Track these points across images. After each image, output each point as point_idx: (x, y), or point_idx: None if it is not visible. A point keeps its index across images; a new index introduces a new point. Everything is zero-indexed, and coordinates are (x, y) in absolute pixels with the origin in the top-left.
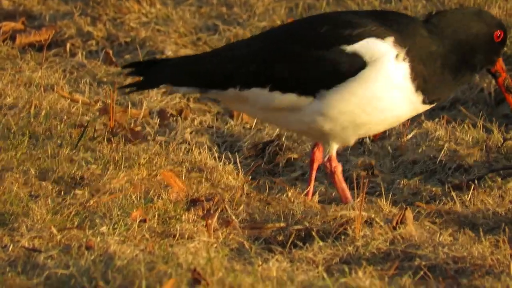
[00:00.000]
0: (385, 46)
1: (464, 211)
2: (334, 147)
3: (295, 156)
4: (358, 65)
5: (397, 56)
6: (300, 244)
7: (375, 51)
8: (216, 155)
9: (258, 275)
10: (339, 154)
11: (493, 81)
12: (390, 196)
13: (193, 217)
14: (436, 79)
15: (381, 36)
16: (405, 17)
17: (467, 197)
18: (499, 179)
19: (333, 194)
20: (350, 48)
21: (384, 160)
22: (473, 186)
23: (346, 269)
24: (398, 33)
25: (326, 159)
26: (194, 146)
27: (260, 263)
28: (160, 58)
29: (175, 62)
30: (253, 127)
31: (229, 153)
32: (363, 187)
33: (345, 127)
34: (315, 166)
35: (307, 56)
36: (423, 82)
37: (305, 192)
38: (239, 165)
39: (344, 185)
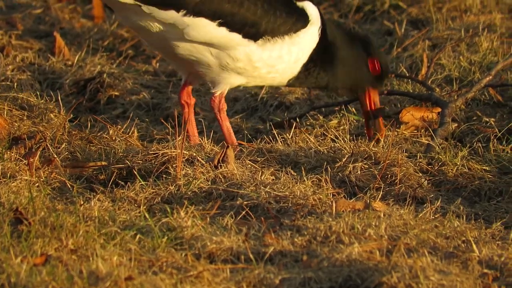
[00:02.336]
0: (317, 13)
1: (286, 149)
2: (228, 87)
3: (116, 93)
4: (305, 20)
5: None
6: (122, 183)
7: (314, 13)
8: (38, 92)
9: (80, 215)
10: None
11: None
12: (211, 134)
13: (15, 156)
14: (310, 75)
15: (314, 4)
16: None
17: (289, 135)
18: (321, 117)
19: (154, 133)
20: (299, 3)
21: (206, 98)
22: (294, 124)
23: (168, 209)
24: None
25: (217, 97)
26: (15, 84)
27: (82, 202)
28: None
29: None
30: (74, 63)
31: (50, 90)
32: (185, 125)
33: (268, 73)
34: (191, 109)
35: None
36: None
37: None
38: (60, 102)
39: (229, 125)
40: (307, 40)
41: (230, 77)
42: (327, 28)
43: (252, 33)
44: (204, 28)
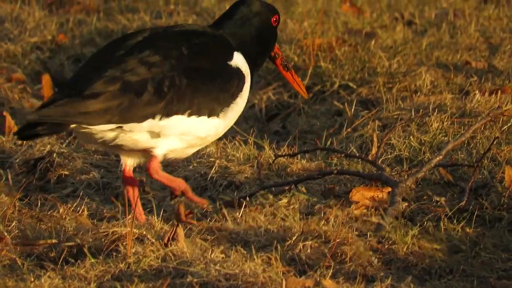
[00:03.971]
0: (242, 59)
1: (236, 228)
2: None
3: (66, 172)
4: (242, 79)
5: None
6: (72, 260)
7: (243, 64)
8: None
9: None
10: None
11: (264, 97)
12: (161, 213)
13: None
14: None
15: (236, 49)
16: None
17: (239, 214)
18: (271, 196)
19: (104, 211)
20: (232, 62)
21: None
22: (244, 203)
23: (118, 286)
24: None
25: (155, 164)
26: None
27: (33, 279)
28: None
29: None
30: (24, 143)
31: (0, 169)
32: (133, 204)
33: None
34: (136, 190)
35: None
36: None
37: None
38: (10, 181)
39: (169, 176)
40: (246, 89)
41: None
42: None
43: (216, 111)
44: (177, 123)
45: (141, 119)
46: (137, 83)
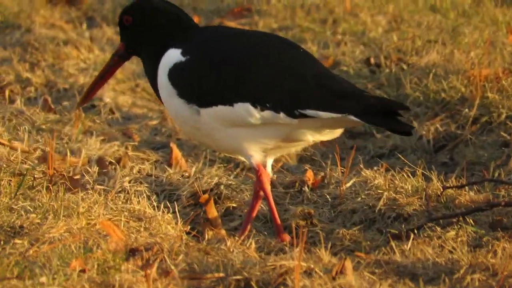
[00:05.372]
0: None
1: (404, 261)
2: None
3: (233, 205)
4: None
5: None
6: None
7: None
8: (155, 204)
9: None
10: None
11: (432, 128)
12: (329, 246)
13: (133, 267)
14: None
15: None
16: None
17: (407, 246)
18: (439, 229)
19: (272, 244)
20: None
21: (323, 209)
22: (412, 235)
23: None
24: None
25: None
26: (133, 195)
27: None
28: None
29: None
30: (191, 175)
31: (168, 202)
32: (302, 237)
33: None
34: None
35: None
36: None
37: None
38: (178, 214)
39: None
40: None
41: None
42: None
43: None
44: None
45: None
46: None
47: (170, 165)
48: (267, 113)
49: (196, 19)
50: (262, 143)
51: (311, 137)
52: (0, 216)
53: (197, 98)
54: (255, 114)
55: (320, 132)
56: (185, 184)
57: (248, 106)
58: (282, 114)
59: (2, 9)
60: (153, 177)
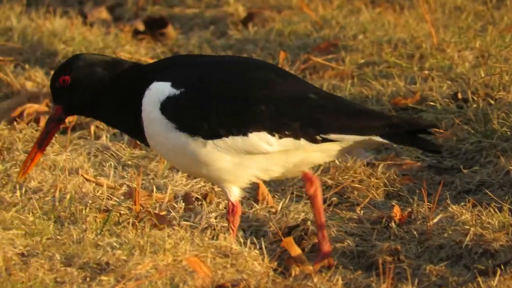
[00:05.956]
0: None
1: None
2: None
3: None
4: None
5: None
6: None
7: None
8: (242, 240)
9: None
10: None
11: None
12: (416, 282)
13: None
14: None
15: None
16: None
17: (493, 282)
18: None
19: (359, 280)
20: None
21: (410, 245)
22: (499, 271)
23: None
24: None
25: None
26: (219, 231)
27: None
28: None
29: None
30: (278, 211)
31: (254, 238)
32: (389, 273)
33: None
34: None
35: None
36: None
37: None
38: (264, 250)
39: None
40: None
41: None
42: None
43: None
44: None
45: None
46: None
47: (256, 201)
48: (287, 140)
49: (282, 55)
50: (270, 170)
51: (323, 160)
52: (86, 253)
53: (204, 131)
54: (273, 143)
55: (333, 156)
56: (272, 220)
57: (265, 135)
58: (303, 140)
59: (86, 44)
60: None
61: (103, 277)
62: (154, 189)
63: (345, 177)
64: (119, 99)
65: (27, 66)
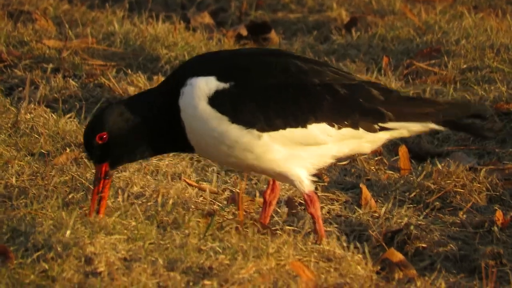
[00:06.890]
0: None
1: None
2: None
3: (423, 245)
4: None
5: None
6: None
7: None
8: (345, 244)
9: None
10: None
11: None
12: None
13: None
14: None
15: None
16: None
17: None
18: None
19: (461, 284)
20: None
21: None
22: None
23: None
24: None
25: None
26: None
27: None
28: None
29: None
30: (381, 215)
31: (357, 242)
32: (492, 277)
33: None
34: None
35: None
36: None
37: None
38: (367, 254)
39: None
40: None
41: None
42: None
43: None
44: None
45: None
46: None
47: (359, 206)
48: (346, 131)
49: (385, 60)
50: (321, 161)
51: (369, 150)
52: (189, 257)
53: (260, 123)
54: (332, 133)
55: (379, 145)
56: (375, 224)
57: (324, 125)
58: (361, 130)
59: (189, 49)
60: (343, 217)
61: (206, 282)
62: (257, 194)
63: (448, 181)
64: (157, 122)
65: (129, 71)
